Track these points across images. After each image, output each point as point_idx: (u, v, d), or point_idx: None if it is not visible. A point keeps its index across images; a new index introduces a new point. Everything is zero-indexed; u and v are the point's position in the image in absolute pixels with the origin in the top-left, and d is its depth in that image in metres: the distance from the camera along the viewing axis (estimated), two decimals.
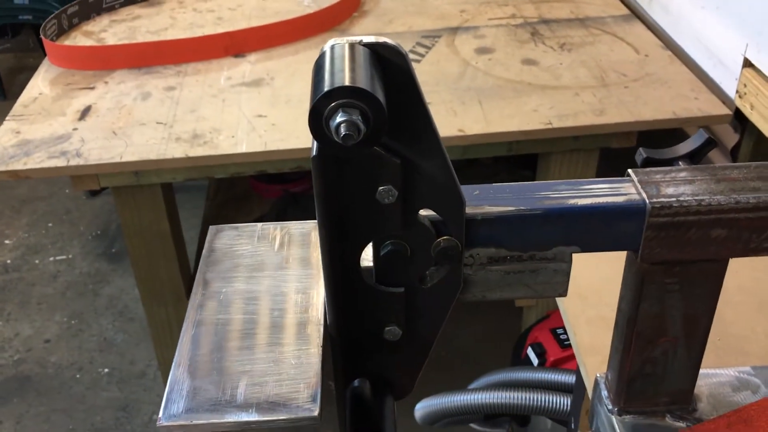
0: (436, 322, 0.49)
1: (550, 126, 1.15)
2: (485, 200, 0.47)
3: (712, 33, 1.34)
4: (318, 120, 0.34)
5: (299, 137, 1.13)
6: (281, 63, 1.37)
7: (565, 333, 1.29)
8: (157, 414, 1.70)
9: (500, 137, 1.14)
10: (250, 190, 1.73)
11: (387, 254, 0.45)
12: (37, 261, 2.34)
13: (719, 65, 1.31)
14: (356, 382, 0.50)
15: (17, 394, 1.86)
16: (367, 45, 0.38)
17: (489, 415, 1.19)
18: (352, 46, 0.38)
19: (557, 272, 0.48)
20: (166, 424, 0.36)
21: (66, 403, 1.83)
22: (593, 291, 0.79)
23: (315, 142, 0.37)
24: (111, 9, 1.60)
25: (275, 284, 0.45)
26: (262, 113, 1.20)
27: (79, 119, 1.20)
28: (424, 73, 1.31)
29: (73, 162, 1.08)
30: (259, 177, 1.72)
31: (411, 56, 1.42)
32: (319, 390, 0.38)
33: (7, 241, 2.43)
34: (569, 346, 1.26)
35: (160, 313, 1.37)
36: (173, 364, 0.40)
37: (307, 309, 0.44)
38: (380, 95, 0.35)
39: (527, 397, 1.11)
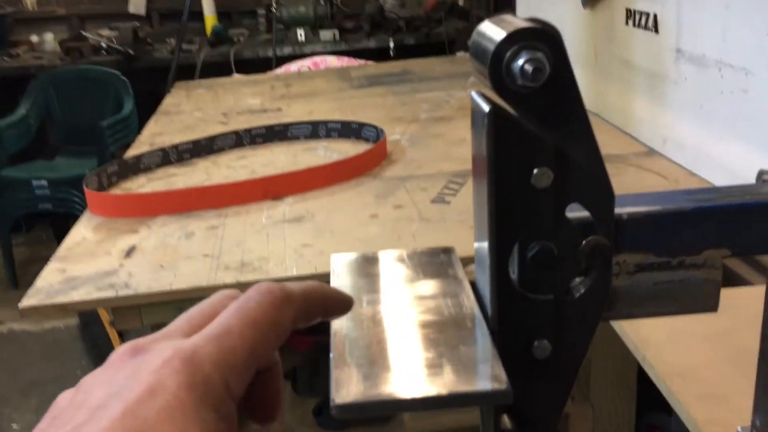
0: (583, 341, 0.45)
1: None
2: (627, 203, 0.45)
3: (736, 160, 1.38)
4: (498, 66, 0.34)
5: None
6: (319, 203, 1.39)
7: None
8: None
9: None
10: None
11: (535, 255, 0.42)
12: None
13: None
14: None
15: None
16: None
17: None
18: (508, 18, 0.38)
19: (707, 282, 0.46)
20: (341, 402, 0.32)
21: None
22: (694, 370, 0.75)
23: (483, 100, 0.37)
24: (148, 169, 1.65)
25: (416, 291, 0.43)
26: (308, 243, 1.20)
27: (125, 257, 1.19)
28: (458, 205, 1.33)
29: (122, 292, 1.06)
30: None
31: (445, 192, 1.45)
32: (502, 367, 0.35)
33: (14, 425, 2.32)
34: None
35: None
36: (331, 358, 0.36)
37: (461, 309, 0.41)
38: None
39: None
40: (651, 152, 1.60)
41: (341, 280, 0.44)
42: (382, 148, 1.63)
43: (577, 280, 0.45)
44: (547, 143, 0.40)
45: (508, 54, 0.34)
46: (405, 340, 0.38)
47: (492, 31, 0.36)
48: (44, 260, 1.21)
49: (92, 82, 3.47)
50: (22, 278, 3.34)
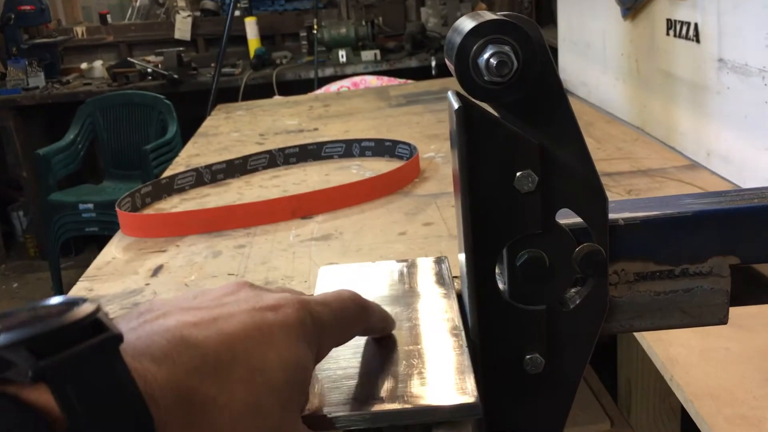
0: (580, 355, 0.42)
1: None
2: (624, 208, 0.42)
3: None
4: (464, 60, 0.32)
5: None
6: (348, 221, 1.38)
7: None
8: None
9: None
10: None
11: (524, 264, 0.40)
12: None
13: None
14: None
15: None
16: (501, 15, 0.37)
17: None
18: (483, 13, 0.36)
19: (715, 291, 0.43)
20: (301, 416, 0.30)
21: None
22: (726, 391, 0.71)
23: (456, 99, 0.35)
24: (182, 190, 1.66)
25: (399, 302, 0.41)
26: (333, 261, 1.19)
27: (151, 276, 1.19)
28: None
29: None
30: None
31: None
32: (474, 380, 0.32)
33: None
34: None
35: None
36: None
37: (443, 321, 0.39)
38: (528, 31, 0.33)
39: None
40: (694, 166, 1.55)
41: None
42: (414, 165, 1.61)
43: (572, 290, 0.42)
44: (530, 144, 0.38)
45: (474, 48, 0.32)
46: (379, 352, 0.36)
47: (463, 25, 0.35)
48: None
49: (137, 107, 3.55)
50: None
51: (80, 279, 1.21)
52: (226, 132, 2.25)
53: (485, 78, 0.32)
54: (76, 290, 1.17)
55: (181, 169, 1.75)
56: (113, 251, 1.33)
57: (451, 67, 0.35)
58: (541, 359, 0.41)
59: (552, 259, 0.40)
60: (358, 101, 2.57)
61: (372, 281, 0.44)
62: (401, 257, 1.19)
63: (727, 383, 0.72)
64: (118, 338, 0.28)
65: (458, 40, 0.33)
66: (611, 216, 0.41)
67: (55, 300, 0.29)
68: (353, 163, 1.79)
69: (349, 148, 1.83)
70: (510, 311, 0.40)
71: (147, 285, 1.16)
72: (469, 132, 0.35)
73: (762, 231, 0.42)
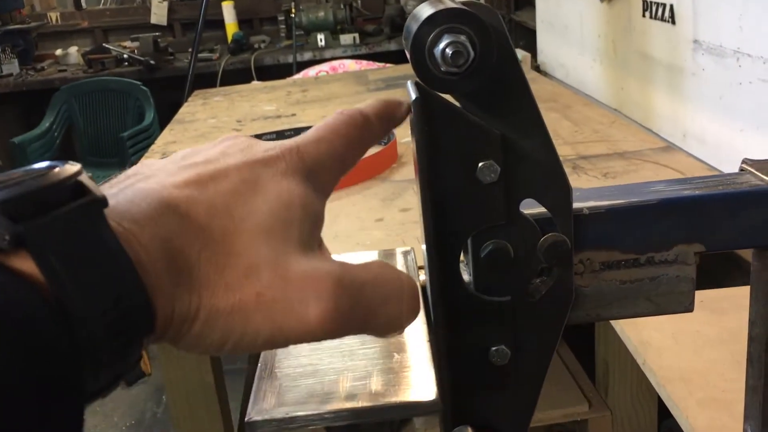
0: (546, 346, 0.42)
1: None
2: (589, 197, 0.42)
3: (758, 154, 1.33)
4: (420, 50, 0.31)
5: None
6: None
7: None
8: None
9: None
10: None
11: (489, 255, 0.39)
12: None
13: None
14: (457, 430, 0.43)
15: None
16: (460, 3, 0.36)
17: None
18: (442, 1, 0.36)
19: (681, 279, 0.43)
20: (257, 418, 0.30)
21: None
22: (698, 374, 0.71)
23: (414, 89, 0.34)
24: None
25: None
26: None
27: None
28: None
29: None
30: None
31: None
32: (434, 375, 0.32)
33: None
34: None
35: None
36: (258, 369, 0.34)
37: None
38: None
39: None
40: (669, 147, 1.55)
41: None
42: (391, 150, 1.61)
43: (538, 280, 0.42)
44: (491, 134, 0.37)
45: (431, 38, 0.31)
46: (338, 349, 0.35)
47: (420, 13, 0.34)
48: None
49: (114, 93, 3.50)
50: None
51: None
52: (203, 119, 2.23)
53: (442, 68, 0.31)
54: None
55: (157, 157, 1.73)
56: None
57: (408, 55, 0.34)
58: (507, 350, 0.41)
59: (517, 250, 0.40)
60: (336, 86, 2.55)
61: None
62: (378, 244, 1.18)
63: (699, 366, 0.73)
64: (102, 201, 0.26)
65: (414, 28, 0.32)
66: (576, 205, 0.40)
67: (37, 165, 0.27)
68: None
69: None
70: (475, 303, 0.40)
71: None
72: (428, 123, 0.35)
73: (726, 218, 0.41)
